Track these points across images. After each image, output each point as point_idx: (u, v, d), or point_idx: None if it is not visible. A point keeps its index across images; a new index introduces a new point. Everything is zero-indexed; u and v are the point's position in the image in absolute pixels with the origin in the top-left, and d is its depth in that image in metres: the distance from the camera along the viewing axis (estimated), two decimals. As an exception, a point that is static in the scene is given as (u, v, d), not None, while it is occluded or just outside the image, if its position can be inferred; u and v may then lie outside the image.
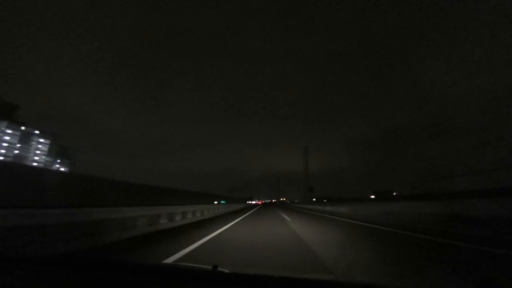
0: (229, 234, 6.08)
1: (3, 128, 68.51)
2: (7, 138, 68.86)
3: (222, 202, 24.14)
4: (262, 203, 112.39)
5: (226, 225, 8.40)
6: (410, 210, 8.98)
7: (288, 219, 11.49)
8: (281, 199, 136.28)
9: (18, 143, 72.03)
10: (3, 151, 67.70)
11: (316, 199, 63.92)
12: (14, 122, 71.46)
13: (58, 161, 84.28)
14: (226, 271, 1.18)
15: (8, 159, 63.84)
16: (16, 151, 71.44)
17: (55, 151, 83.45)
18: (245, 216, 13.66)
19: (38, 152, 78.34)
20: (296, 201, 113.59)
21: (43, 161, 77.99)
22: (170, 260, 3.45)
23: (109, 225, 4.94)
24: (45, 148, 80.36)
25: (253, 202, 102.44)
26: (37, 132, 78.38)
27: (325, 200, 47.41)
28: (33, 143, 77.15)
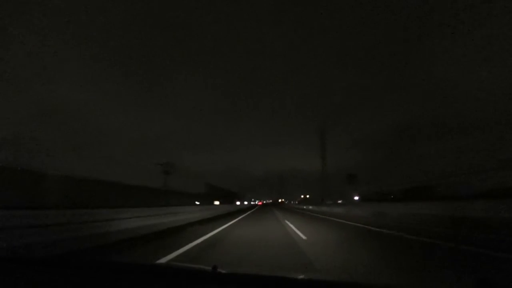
0: None
1: None
2: None
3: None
4: (262, 204, 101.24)
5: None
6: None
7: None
8: (302, 196, 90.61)
9: None
10: None
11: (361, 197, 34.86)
12: None
13: None
14: (226, 271, 1.19)
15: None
16: None
17: None
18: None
19: None
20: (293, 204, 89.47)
21: None
22: None
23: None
24: None
25: (245, 203, 63.85)
26: None
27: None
28: None
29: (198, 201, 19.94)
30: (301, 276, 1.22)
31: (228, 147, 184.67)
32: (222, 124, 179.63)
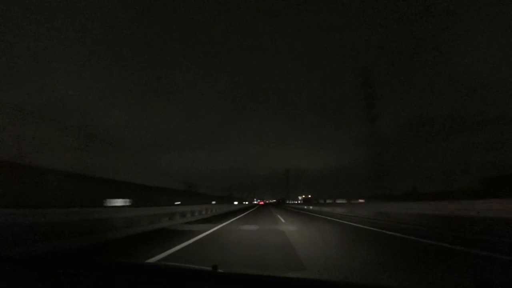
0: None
1: None
2: None
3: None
4: (264, 204, 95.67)
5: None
6: None
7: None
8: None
9: None
10: None
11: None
12: None
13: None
14: (226, 271, 1.23)
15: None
16: None
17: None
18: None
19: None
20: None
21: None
22: None
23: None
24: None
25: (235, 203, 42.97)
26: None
27: None
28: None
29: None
30: (301, 277, 1.26)
31: (231, 146, 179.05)
32: (227, 122, 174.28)
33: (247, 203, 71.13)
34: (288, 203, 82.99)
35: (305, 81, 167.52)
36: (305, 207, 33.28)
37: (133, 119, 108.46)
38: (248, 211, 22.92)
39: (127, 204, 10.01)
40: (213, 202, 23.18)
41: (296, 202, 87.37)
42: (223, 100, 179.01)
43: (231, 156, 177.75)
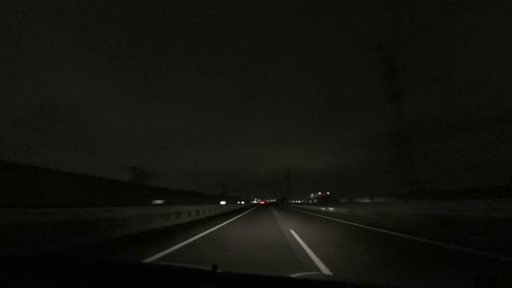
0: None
1: None
2: None
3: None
4: (265, 203, 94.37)
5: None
6: None
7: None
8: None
9: None
10: None
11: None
12: None
13: None
14: (226, 271, 1.20)
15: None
16: None
17: None
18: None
19: None
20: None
21: None
22: None
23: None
24: None
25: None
26: None
27: None
28: None
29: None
30: (300, 276, 1.26)
31: (231, 146, 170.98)
32: (227, 122, 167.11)
33: (243, 202, 60.61)
34: (293, 203, 71.27)
35: (305, 81, 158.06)
36: (323, 208, 22.21)
37: (133, 119, 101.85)
38: (232, 219, 12.22)
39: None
40: (158, 202, 12.47)
41: (299, 201, 76.06)
42: (223, 100, 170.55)
43: (231, 156, 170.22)
